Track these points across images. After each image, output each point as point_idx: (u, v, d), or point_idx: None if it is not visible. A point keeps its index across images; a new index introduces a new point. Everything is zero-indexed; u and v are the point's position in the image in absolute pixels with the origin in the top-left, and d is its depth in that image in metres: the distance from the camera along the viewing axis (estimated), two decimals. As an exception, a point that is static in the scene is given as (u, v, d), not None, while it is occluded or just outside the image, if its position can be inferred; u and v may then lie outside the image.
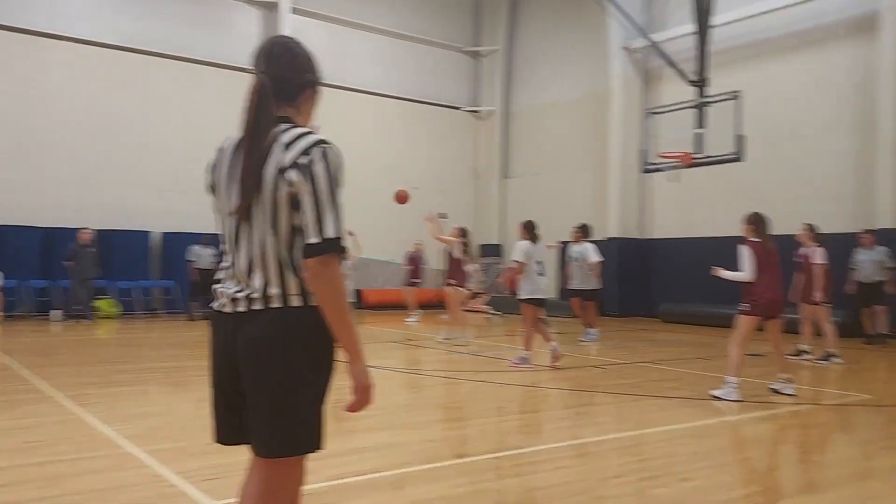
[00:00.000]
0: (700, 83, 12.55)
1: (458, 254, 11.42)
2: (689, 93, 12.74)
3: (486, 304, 19.30)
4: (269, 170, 2.00)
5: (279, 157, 2.00)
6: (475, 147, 22.26)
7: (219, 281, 2.16)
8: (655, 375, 8.34)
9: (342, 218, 1.99)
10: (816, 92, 14.41)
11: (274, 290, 2.00)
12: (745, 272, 6.71)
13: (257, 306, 2.01)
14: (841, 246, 13.75)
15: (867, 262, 11.62)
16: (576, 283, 11.89)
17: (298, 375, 1.98)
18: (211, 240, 16.04)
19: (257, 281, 2.02)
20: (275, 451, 2.04)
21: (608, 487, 3.99)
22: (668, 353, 10.44)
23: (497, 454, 4.65)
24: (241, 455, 4.48)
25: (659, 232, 17.61)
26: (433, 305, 17.77)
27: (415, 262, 16.63)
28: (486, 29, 22.00)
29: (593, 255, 11.54)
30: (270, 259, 2.01)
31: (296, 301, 2.00)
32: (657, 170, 12.98)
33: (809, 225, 9.92)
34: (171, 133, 17.07)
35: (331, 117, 19.20)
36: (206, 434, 5.07)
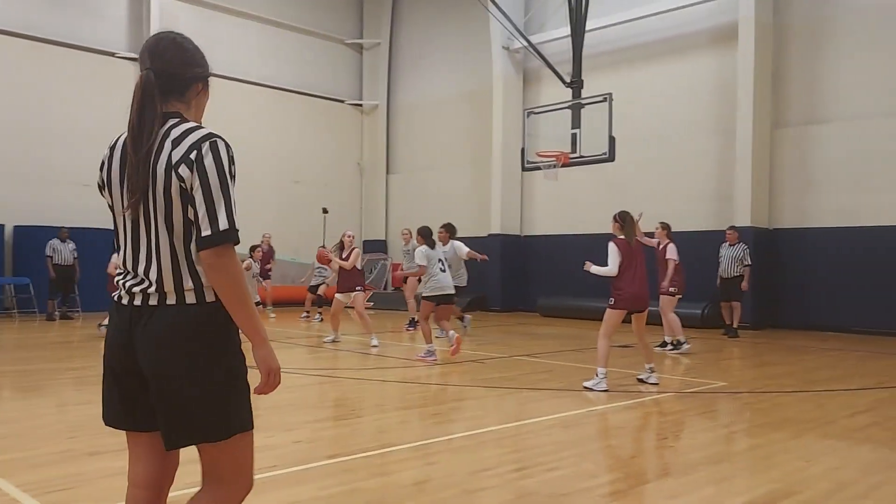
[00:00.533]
0: (575, 85, 12.95)
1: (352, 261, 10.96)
2: (566, 93, 13.13)
3: (369, 301, 19.14)
4: (160, 166, 2.00)
5: (169, 152, 2.01)
6: (360, 141, 22.06)
7: (119, 274, 2.17)
8: (530, 368, 8.53)
9: (234, 209, 2.01)
10: (682, 96, 15.25)
11: (168, 286, 2.03)
12: (609, 267, 6.99)
13: (153, 301, 2.04)
14: (704, 243, 14.65)
15: (728, 258, 12.21)
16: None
17: (198, 368, 2.01)
18: (70, 234, 15.07)
19: (153, 276, 2.04)
20: (184, 440, 2.06)
21: (478, 480, 4.00)
22: (544, 346, 10.72)
23: (369, 453, 4.58)
24: (88, 465, 4.17)
25: (539, 229, 18.09)
26: (287, 303, 17.69)
27: (267, 257, 16.12)
28: (370, 21, 21.82)
29: (465, 248, 11.61)
30: (165, 254, 2.03)
31: (189, 297, 2.03)
32: (536, 168, 13.29)
33: (664, 223, 10.61)
34: (25, 119, 15.89)
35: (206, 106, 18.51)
36: (53, 443, 4.73)
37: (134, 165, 2.02)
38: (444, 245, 10.92)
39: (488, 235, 18.12)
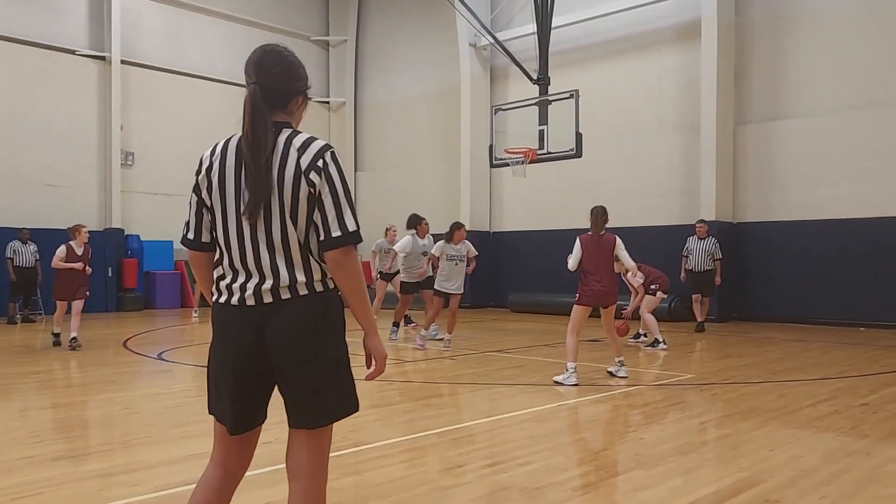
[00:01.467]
0: (542, 81, 13.02)
1: None
2: (533, 90, 13.20)
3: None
4: (288, 171, 2.18)
5: (297, 160, 2.19)
6: (326, 139, 21.82)
7: (221, 277, 2.30)
8: (502, 364, 8.58)
9: (355, 212, 2.22)
10: (647, 93, 15.43)
11: (300, 279, 2.21)
12: (570, 263, 7.14)
13: (285, 295, 2.20)
14: (670, 238, 14.85)
15: (698, 252, 12.12)
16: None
17: (337, 350, 2.26)
18: (32, 235, 14.75)
19: (283, 272, 2.20)
20: (328, 418, 2.27)
21: (451, 477, 4.02)
22: (515, 342, 10.78)
23: (340, 452, 4.56)
24: (53, 471, 4.09)
25: (508, 225, 18.17)
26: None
27: None
28: (336, 18, 21.68)
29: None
30: (295, 251, 2.20)
31: (319, 287, 2.23)
32: (504, 165, 13.35)
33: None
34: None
35: (169, 103, 18.30)
36: (17, 449, 4.63)
37: (255, 174, 2.18)
38: (422, 238, 10.97)
39: (457, 232, 18.13)
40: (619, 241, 7.29)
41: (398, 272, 11.20)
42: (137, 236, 17.54)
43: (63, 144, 16.63)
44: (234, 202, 2.24)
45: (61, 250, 10.14)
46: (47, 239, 15.51)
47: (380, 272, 11.92)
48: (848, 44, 13.04)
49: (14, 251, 14.11)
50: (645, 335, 10.33)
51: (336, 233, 2.17)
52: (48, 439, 4.89)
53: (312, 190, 2.18)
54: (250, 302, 2.21)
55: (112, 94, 17.09)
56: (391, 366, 8.50)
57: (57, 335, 10.28)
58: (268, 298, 2.20)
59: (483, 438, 4.97)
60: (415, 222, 10.98)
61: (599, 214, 7.24)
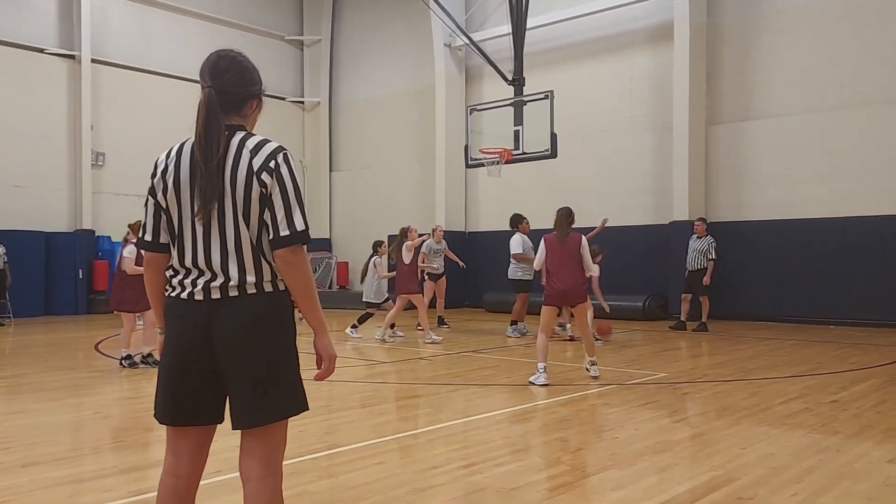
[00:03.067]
0: (517, 82, 13.07)
1: None
2: (508, 90, 13.23)
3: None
4: (240, 172, 2.24)
5: (249, 160, 2.25)
6: (302, 139, 21.78)
7: (174, 274, 2.34)
8: (477, 364, 8.59)
9: (305, 212, 2.28)
10: (621, 93, 15.56)
11: (250, 279, 2.25)
12: (535, 262, 7.34)
13: (234, 293, 2.25)
14: (644, 237, 15.00)
15: (693, 250, 12.01)
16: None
17: (283, 349, 2.30)
18: (1, 237, 14.50)
19: (233, 270, 2.25)
20: (269, 416, 2.27)
21: (427, 478, 4.01)
22: (490, 342, 10.81)
23: (316, 454, 4.54)
24: (22, 477, 4.01)
25: (483, 225, 18.20)
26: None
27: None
28: (310, 18, 21.57)
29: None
30: (246, 250, 2.25)
31: (269, 287, 2.27)
32: (479, 165, 13.38)
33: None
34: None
35: (140, 102, 18.06)
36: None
37: (206, 176, 2.23)
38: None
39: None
40: (584, 241, 7.27)
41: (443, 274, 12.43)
42: (108, 237, 17.28)
43: (32, 144, 16.34)
44: (188, 204, 2.29)
45: (131, 251, 8.26)
46: (15, 240, 15.26)
47: (428, 274, 12.31)
48: (816, 46, 13.26)
49: None
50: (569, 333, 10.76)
51: (284, 232, 2.22)
52: (17, 445, 4.80)
53: (264, 190, 2.23)
54: (199, 297, 2.26)
55: (82, 94, 16.83)
56: (366, 368, 8.48)
57: (130, 357, 8.41)
58: (216, 294, 2.25)
59: (459, 439, 4.98)
60: (517, 221, 11.99)
61: (564, 216, 7.28)
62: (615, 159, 15.59)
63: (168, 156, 2.38)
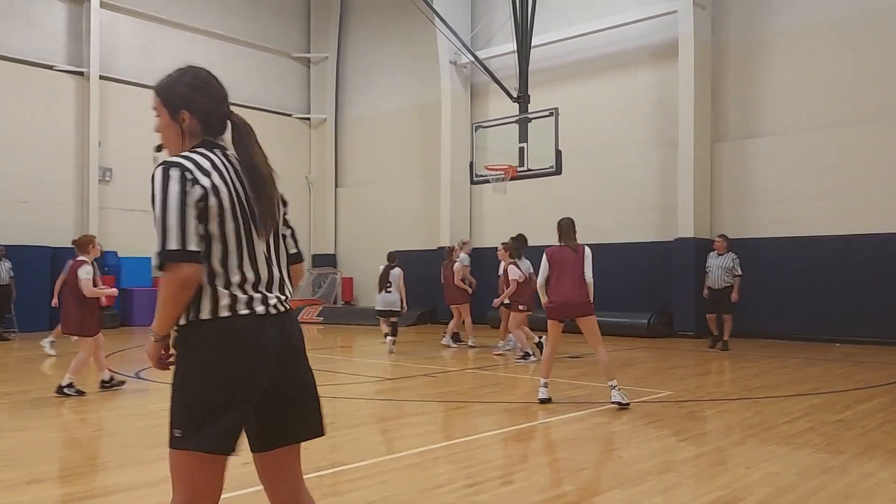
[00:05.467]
0: (521, 99, 13.14)
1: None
2: (513, 108, 13.30)
3: (319, 315, 19.00)
4: (276, 195, 2.41)
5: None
6: (308, 155, 21.88)
7: (252, 287, 2.30)
8: (480, 382, 8.57)
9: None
10: (625, 111, 15.61)
11: (289, 293, 2.40)
12: (539, 278, 7.11)
13: (288, 307, 2.37)
14: (648, 254, 15.00)
15: (716, 268, 11.57)
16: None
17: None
18: (7, 252, 14.56)
19: (286, 288, 2.39)
20: (324, 428, 2.43)
21: (431, 497, 4.00)
22: (493, 359, 10.78)
23: (320, 472, 4.53)
24: (26, 495, 4.01)
25: (487, 241, 18.21)
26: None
27: None
28: (317, 36, 21.75)
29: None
30: (285, 271, 2.42)
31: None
32: (485, 181, 13.43)
33: (505, 243, 11.29)
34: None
35: (147, 119, 18.05)
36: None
37: (269, 195, 2.35)
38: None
39: (437, 248, 18.16)
40: (588, 251, 7.05)
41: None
42: (115, 253, 17.35)
43: (40, 160, 16.46)
44: (250, 221, 2.32)
45: (88, 271, 7.75)
46: (22, 255, 15.33)
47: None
48: (818, 65, 13.31)
49: None
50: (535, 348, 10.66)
51: (293, 250, 2.53)
52: (21, 462, 4.81)
53: (286, 211, 2.54)
54: (274, 311, 2.29)
55: (90, 110, 16.97)
56: (369, 385, 8.47)
57: (110, 381, 8.13)
58: (282, 308, 2.33)
59: (462, 458, 4.97)
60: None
61: (570, 226, 7.16)
62: (619, 176, 15.62)
63: (208, 172, 2.28)
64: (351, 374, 9.14)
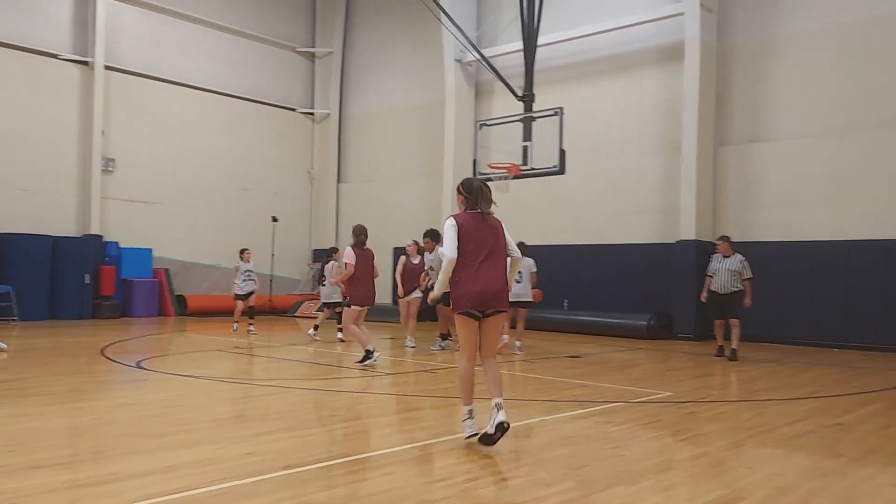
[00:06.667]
0: (527, 98, 13.15)
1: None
2: (518, 106, 13.31)
3: (319, 311, 18.96)
4: None
5: None
6: (311, 150, 21.89)
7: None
8: (480, 378, 8.55)
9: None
10: (629, 112, 15.63)
11: None
12: (447, 249, 5.17)
13: None
14: (649, 255, 15.00)
15: (724, 272, 10.80)
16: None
17: None
18: (6, 240, 14.52)
19: None
20: None
21: (433, 491, 4.01)
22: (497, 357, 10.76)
23: (325, 464, 4.54)
24: (29, 480, 4.02)
25: (488, 240, 18.22)
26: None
27: None
28: (322, 30, 21.76)
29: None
30: None
31: None
32: (488, 179, 13.40)
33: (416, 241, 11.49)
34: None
35: (151, 110, 18.18)
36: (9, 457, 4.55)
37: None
38: (430, 253, 11.25)
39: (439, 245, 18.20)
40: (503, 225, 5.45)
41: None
42: (116, 243, 17.36)
43: (42, 149, 16.47)
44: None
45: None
46: (23, 244, 15.33)
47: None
48: (823, 71, 13.33)
49: None
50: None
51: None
52: (22, 448, 4.81)
53: None
54: None
55: (94, 100, 16.97)
56: (370, 378, 8.47)
57: None
58: None
59: (464, 453, 4.97)
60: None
61: (488, 188, 5.46)
62: (622, 177, 15.64)
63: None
64: (350, 368, 9.15)
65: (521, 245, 11.80)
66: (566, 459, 4.79)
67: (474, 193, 5.36)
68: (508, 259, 5.38)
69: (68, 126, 16.90)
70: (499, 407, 5.02)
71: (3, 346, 9.93)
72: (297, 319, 18.31)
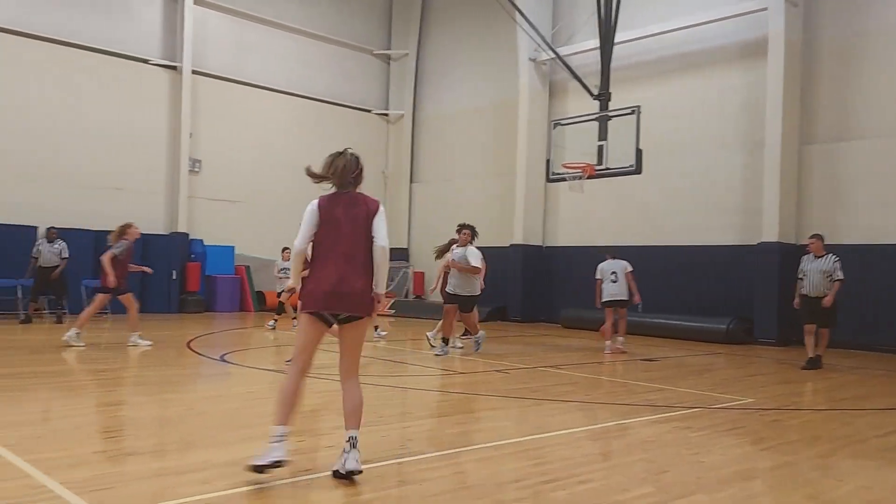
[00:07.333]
0: (603, 97, 12.97)
1: None
2: (593, 105, 13.16)
3: (391, 308, 19.24)
4: None
5: None
6: (385, 151, 22.21)
7: None
8: (554, 380, 8.54)
9: None
10: (709, 110, 15.23)
11: None
12: (299, 239, 4.38)
13: None
14: (728, 257, 14.58)
15: (815, 273, 10.06)
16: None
17: None
18: (97, 236, 15.28)
19: None
20: None
21: (507, 491, 4.03)
22: (568, 358, 10.72)
23: (399, 460, 4.63)
24: (126, 466, 4.25)
25: (561, 240, 18.09)
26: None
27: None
28: (398, 33, 22.03)
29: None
30: None
31: None
32: (561, 179, 13.33)
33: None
34: (59, 122, 16.27)
35: (234, 113, 18.82)
36: (95, 442, 4.83)
37: None
38: (462, 247, 10.66)
39: (510, 245, 18.16)
40: (382, 209, 4.41)
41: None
42: (201, 241, 18.06)
43: (134, 150, 17.28)
44: None
45: None
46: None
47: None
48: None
49: (38, 250, 13.95)
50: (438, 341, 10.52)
51: None
52: (120, 435, 5.09)
53: None
54: None
55: (182, 103, 17.70)
56: (441, 377, 8.55)
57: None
58: None
59: (538, 454, 4.97)
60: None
61: (353, 162, 4.47)
62: (700, 177, 15.25)
63: None
64: (423, 367, 9.26)
65: (611, 249, 11.92)
66: (644, 464, 4.73)
67: (331, 169, 4.43)
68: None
69: (158, 129, 17.68)
70: (353, 443, 4.04)
71: (149, 342, 10.41)
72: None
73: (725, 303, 14.39)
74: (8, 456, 4.34)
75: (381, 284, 4.26)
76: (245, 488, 3.87)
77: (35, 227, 15.15)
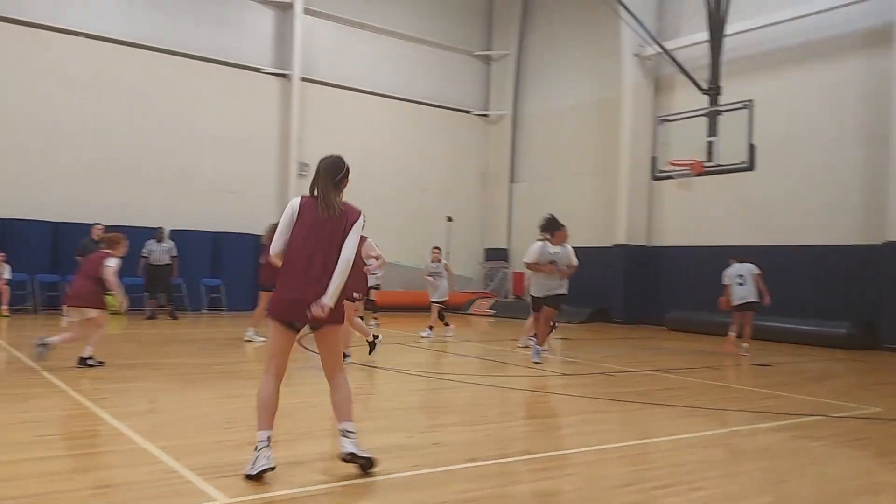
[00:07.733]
0: (712, 91, 12.53)
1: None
2: (701, 100, 12.73)
3: (491, 308, 19.29)
4: None
5: None
6: (485, 151, 22.29)
7: None
8: (662, 384, 8.32)
9: None
10: (828, 103, 14.41)
11: None
12: (274, 242, 4.30)
13: None
14: (847, 258, 13.76)
15: None
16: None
17: None
18: (215, 238, 16.08)
19: None
20: None
21: (618, 495, 3.98)
22: (675, 362, 10.42)
23: (506, 459, 4.65)
24: (247, 455, 4.46)
25: (667, 239, 17.59)
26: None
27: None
28: (498, 33, 22.05)
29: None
30: None
31: None
32: (668, 177, 12.97)
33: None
34: (179, 129, 17.19)
35: (340, 117, 19.39)
36: (217, 431, 5.11)
37: None
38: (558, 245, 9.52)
39: (613, 246, 17.83)
40: (360, 220, 4.32)
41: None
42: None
43: (246, 154, 18.12)
44: None
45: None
46: (231, 242, 16.94)
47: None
48: None
49: (149, 250, 14.68)
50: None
51: None
52: (240, 426, 5.35)
53: None
54: None
55: (292, 110, 18.43)
56: (543, 378, 8.50)
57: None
58: None
59: (648, 459, 4.87)
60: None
61: (334, 165, 4.48)
62: (817, 173, 14.46)
63: None
64: (524, 367, 9.23)
65: (734, 253, 11.61)
66: (762, 473, 4.55)
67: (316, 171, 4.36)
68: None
69: (269, 134, 18.47)
70: (346, 434, 4.10)
71: (262, 338, 10.74)
72: (469, 317, 18.73)
73: (845, 306, 13.58)
74: (142, 442, 4.66)
75: (331, 295, 4.05)
76: (357, 480, 3.99)
77: (156, 228, 16.05)
